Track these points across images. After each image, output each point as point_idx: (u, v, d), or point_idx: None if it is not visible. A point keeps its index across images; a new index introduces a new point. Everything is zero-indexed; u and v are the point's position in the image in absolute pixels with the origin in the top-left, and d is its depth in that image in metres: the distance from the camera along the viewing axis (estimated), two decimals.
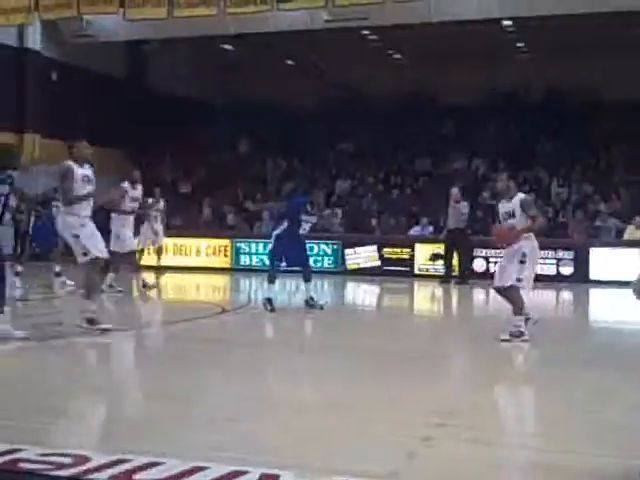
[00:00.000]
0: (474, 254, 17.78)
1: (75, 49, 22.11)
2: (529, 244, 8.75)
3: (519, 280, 8.67)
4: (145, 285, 13.36)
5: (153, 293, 13.76)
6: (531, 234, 8.78)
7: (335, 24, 19.00)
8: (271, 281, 11.62)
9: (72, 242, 8.53)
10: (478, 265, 17.80)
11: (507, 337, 8.54)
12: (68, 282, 12.94)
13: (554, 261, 17.50)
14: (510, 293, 8.72)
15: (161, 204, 15.93)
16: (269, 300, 11.21)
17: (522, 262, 8.66)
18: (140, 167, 25.53)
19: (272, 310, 10.98)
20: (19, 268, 13.70)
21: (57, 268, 13.28)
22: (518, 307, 8.67)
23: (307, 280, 11.69)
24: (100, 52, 22.45)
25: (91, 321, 8.40)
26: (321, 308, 11.44)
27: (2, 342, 7.73)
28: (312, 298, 11.54)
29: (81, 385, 6.31)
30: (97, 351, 8.13)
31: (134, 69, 26.35)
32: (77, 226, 8.47)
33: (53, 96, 22.42)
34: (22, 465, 3.99)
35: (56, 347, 8.13)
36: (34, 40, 22.28)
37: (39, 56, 22.58)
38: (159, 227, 15.86)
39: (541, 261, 17.22)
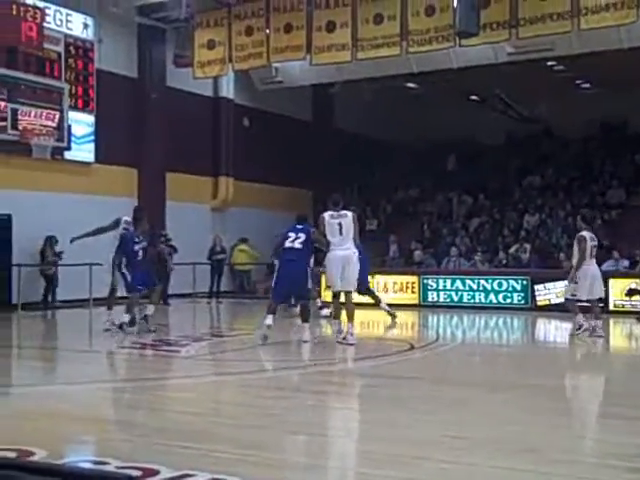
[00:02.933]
0: None
1: (264, 95, 23.14)
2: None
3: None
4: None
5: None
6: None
7: (519, 56, 18.73)
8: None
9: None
10: None
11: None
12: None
13: None
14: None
15: None
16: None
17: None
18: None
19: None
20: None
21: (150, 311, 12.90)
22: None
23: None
24: (287, 96, 23.36)
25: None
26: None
27: (213, 375, 8.11)
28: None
29: (271, 419, 6.50)
30: (290, 387, 8.36)
31: (320, 110, 27.18)
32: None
33: (245, 141, 23.58)
34: None
35: (237, 382, 8.45)
36: (228, 89, 23.58)
37: (232, 104, 23.84)
38: None
39: None
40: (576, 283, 12.36)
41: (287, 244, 11.19)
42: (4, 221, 17.45)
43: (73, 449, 5.54)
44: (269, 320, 10.98)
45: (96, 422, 6.60)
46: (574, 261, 12.45)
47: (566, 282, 12.97)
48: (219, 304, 20.43)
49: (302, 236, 11.17)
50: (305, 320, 11.30)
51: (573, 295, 12.51)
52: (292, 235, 11.23)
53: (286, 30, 18.44)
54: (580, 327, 12.56)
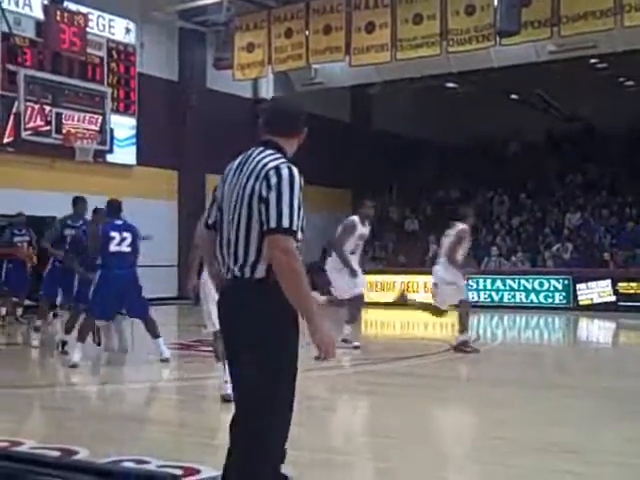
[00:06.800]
0: None
1: (303, 96, 23.17)
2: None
3: None
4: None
5: None
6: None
7: (561, 55, 18.53)
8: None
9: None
10: None
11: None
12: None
13: None
14: None
15: None
16: None
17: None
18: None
19: None
20: None
21: (38, 322, 11.61)
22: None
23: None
24: (327, 97, 23.37)
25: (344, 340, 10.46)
26: None
27: None
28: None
29: (310, 418, 6.53)
30: (327, 387, 8.38)
31: (359, 111, 27.15)
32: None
33: None
34: None
35: None
36: (267, 91, 23.67)
37: None
38: None
39: None
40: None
41: (112, 248, 9.20)
42: (49, 223, 17.73)
43: (114, 448, 5.62)
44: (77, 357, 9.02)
45: (137, 421, 6.69)
46: None
47: None
48: None
49: (128, 236, 9.34)
50: (157, 335, 9.51)
51: None
52: (116, 235, 9.27)
53: (325, 32, 18.48)
54: None
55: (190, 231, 19.36)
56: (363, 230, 10.89)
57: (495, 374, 9.45)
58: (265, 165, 3.30)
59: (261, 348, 3.23)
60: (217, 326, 7.85)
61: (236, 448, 3.35)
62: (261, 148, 3.44)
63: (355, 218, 10.92)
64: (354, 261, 10.72)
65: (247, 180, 3.32)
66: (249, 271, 3.27)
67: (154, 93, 20.30)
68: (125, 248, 9.24)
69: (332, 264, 10.80)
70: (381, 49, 17.87)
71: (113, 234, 9.22)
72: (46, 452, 5.04)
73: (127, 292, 9.28)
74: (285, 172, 3.26)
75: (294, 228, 3.19)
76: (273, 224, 3.18)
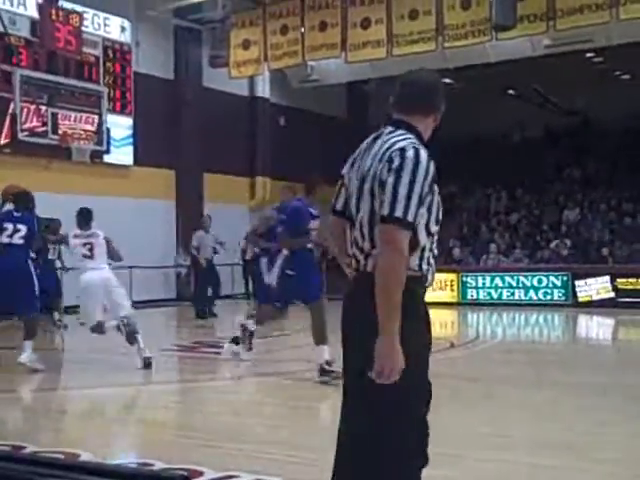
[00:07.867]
0: None
1: (300, 93, 23.14)
2: None
3: None
4: None
5: None
6: None
7: (557, 49, 18.51)
8: None
9: None
10: None
11: None
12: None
13: None
14: None
15: None
16: None
17: None
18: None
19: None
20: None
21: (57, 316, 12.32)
22: None
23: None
24: (322, 94, 23.32)
25: None
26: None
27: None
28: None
29: (313, 420, 6.50)
30: (332, 387, 8.35)
31: (355, 108, 27.11)
32: None
33: (281, 140, 23.60)
34: None
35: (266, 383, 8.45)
36: (263, 88, 23.63)
37: (267, 103, 23.88)
38: None
39: None
40: None
41: (3, 239, 8.85)
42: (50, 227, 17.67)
43: (118, 451, 5.59)
44: None
45: (139, 424, 6.66)
46: None
47: None
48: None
49: (23, 228, 8.91)
50: (28, 338, 8.81)
51: None
52: (9, 226, 8.89)
53: (321, 28, 18.45)
54: None
55: (187, 231, 19.16)
56: None
57: (494, 372, 9.42)
58: (391, 146, 2.97)
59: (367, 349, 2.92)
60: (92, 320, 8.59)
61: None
62: (391, 128, 3.12)
63: None
64: None
65: (371, 163, 2.99)
66: (368, 264, 2.97)
67: (150, 92, 20.22)
68: (17, 240, 8.82)
69: None
70: (377, 45, 17.85)
71: (6, 225, 8.88)
72: (49, 455, 4.99)
73: (13, 288, 8.68)
74: (410, 153, 2.90)
75: (408, 219, 2.80)
76: (385, 212, 2.82)
